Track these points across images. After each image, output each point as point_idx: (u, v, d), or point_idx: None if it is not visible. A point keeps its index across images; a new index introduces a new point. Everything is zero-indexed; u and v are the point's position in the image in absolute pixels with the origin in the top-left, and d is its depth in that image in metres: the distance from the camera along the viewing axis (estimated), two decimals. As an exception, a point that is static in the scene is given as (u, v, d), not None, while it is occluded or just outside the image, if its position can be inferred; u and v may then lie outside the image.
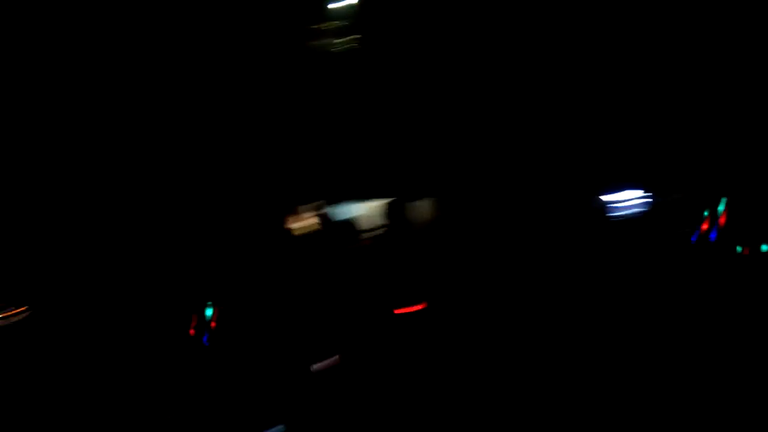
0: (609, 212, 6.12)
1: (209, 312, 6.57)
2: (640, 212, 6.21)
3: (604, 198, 6.19)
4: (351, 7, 6.64)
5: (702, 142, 6.08)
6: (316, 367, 5.94)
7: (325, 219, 6.97)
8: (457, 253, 6.55)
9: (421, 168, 7.04)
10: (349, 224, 6.99)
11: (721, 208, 5.59)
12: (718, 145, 6.00)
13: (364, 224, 7.07)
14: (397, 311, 6.08)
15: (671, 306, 5.25)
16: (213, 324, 6.51)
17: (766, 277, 5.20)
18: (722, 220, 5.66)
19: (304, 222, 6.97)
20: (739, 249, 5.27)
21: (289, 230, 6.86)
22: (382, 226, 7.00)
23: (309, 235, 6.91)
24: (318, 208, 7.06)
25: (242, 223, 6.70)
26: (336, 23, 6.66)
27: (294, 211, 6.95)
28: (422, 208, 7.35)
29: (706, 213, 5.53)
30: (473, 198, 6.88)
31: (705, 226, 5.53)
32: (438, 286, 6.30)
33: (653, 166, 6.26)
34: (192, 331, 6.29)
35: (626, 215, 6.17)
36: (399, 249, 6.73)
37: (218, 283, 6.55)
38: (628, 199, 6.29)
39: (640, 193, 6.34)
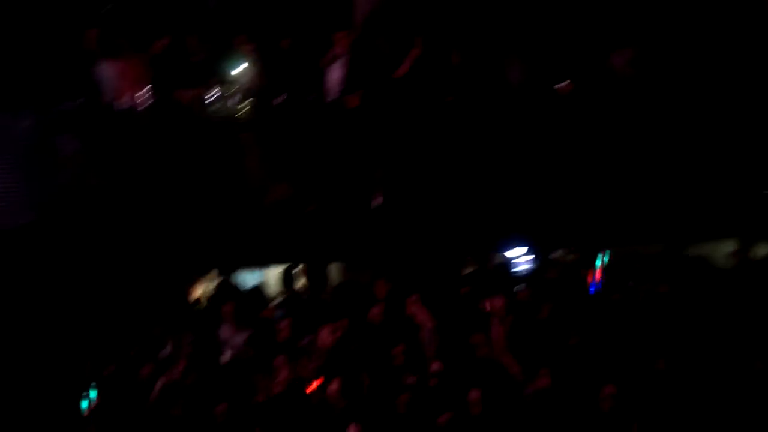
0: (508, 269, 6.50)
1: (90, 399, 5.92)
2: (532, 269, 6.67)
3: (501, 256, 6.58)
4: (248, 72, 6.60)
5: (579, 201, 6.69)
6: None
7: (222, 289, 6.65)
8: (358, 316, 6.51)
9: (317, 234, 7.03)
10: (247, 293, 6.73)
11: (605, 259, 6.20)
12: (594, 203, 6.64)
13: (262, 293, 6.85)
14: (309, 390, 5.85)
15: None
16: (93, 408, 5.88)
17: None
18: (599, 274, 6.26)
19: (200, 293, 6.60)
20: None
21: (186, 302, 6.44)
22: (281, 294, 6.82)
23: (206, 307, 6.53)
24: (214, 278, 6.73)
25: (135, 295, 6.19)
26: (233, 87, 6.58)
27: (189, 282, 6.56)
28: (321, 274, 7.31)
29: (598, 263, 6.09)
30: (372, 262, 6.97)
31: (598, 276, 6.07)
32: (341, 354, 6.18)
33: (538, 225, 6.76)
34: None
35: (520, 272, 6.60)
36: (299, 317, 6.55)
37: (105, 364, 5.93)
38: (518, 257, 6.73)
39: (526, 250, 6.80)
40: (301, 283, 6.77)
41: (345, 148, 6.52)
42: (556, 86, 6.37)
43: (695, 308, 5.89)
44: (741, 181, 6.26)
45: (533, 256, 6.63)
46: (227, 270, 6.75)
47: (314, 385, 5.92)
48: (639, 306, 5.83)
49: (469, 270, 6.62)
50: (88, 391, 5.75)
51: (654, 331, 5.69)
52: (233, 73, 6.48)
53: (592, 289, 6.08)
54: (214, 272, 6.76)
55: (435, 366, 5.76)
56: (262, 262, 6.85)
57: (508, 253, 6.70)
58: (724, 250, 6.63)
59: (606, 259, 6.16)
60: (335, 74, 6.55)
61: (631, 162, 6.30)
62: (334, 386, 5.73)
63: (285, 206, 6.45)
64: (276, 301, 6.66)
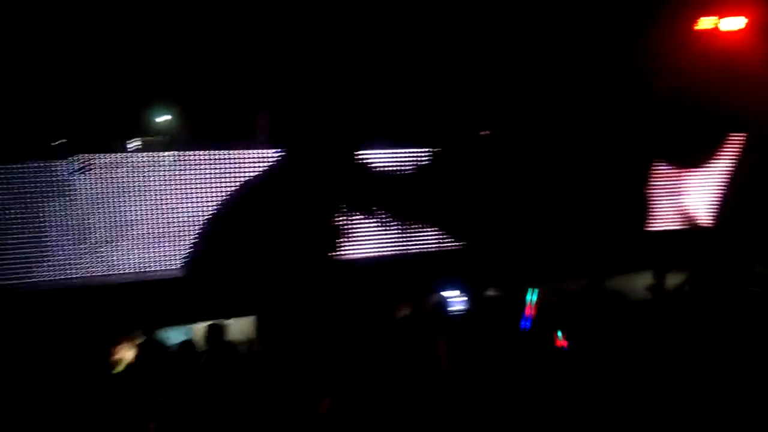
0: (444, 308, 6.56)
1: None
2: (466, 308, 6.78)
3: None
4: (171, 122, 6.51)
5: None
6: None
7: (146, 348, 6.21)
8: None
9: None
10: (174, 352, 6.31)
11: (534, 298, 6.41)
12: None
13: (189, 349, 6.46)
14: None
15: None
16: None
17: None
18: (532, 310, 6.46)
19: (123, 354, 6.12)
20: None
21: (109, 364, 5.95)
22: (206, 351, 6.47)
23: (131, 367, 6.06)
24: (136, 337, 6.28)
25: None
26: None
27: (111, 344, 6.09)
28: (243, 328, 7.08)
29: (529, 298, 6.28)
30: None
31: (529, 313, 6.25)
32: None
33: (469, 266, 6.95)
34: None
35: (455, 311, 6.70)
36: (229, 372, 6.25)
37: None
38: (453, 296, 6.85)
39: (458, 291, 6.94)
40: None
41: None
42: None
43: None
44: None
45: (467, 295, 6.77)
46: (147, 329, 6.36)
47: None
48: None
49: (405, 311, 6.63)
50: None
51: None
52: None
53: (524, 325, 6.25)
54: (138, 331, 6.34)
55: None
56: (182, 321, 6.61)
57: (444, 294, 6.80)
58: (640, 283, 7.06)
59: (534, 296, 6.37)
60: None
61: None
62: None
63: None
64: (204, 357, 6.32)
